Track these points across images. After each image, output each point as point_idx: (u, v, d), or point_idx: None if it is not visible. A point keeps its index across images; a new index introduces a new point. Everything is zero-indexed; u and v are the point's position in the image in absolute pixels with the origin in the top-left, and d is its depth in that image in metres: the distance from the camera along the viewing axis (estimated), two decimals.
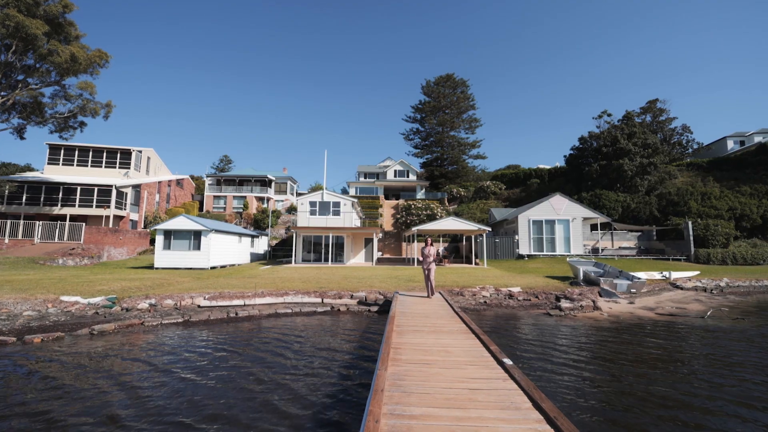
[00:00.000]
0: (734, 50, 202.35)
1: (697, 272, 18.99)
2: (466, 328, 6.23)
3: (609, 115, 39.59)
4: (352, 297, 12.08)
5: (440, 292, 11.45)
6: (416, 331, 6.07)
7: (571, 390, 5.13)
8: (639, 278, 15.08)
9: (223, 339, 7.75)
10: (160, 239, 21.35)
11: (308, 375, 5.65)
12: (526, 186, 45.23)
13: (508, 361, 4.17)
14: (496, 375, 3.90)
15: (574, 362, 6.44)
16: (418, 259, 25.78)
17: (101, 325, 8.22)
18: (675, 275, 18.09)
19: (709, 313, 11.17)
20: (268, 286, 13.20)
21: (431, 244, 10.38)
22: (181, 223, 21.61)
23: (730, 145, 48.06)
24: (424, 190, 51.06)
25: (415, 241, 25.39)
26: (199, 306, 10.51)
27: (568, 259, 19.43)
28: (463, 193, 46.01)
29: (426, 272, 10.28)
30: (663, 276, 18.13)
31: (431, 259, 10.10)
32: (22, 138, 27.02)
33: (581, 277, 15.41)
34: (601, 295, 13.41)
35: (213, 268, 21.92)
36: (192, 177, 56.92)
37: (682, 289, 16.79)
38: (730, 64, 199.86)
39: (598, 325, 9.52)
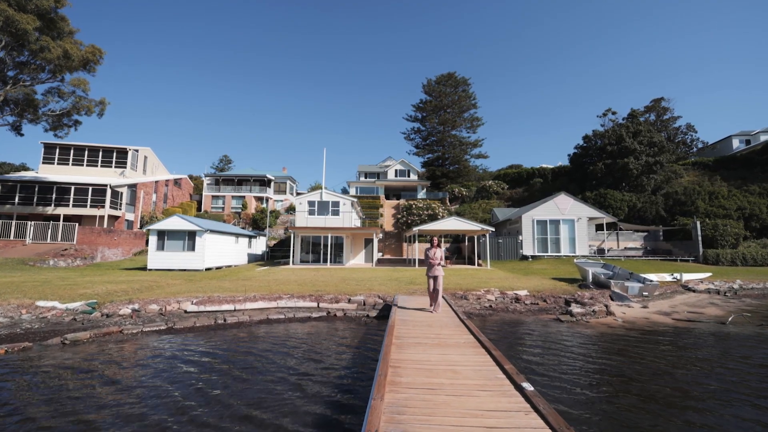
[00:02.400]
0: (734, 50, 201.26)
1: (709, 274, 18.26)
2: (475, 340, 5.54)
3: (614, 113, 38.89)
4: (349, 301, 11.41)
5: (443, 296, 10.76)
6: (418, 344, 5.39)
7: (605, 421, 4.40)
8: (651, 281, 14.37)
9: (202, 351, 7.00)
10: (153, 240, 20.72)
11: (289, 402, 4.86)
12: (529, 186, 44.53)
13: (528, 387, 3.50)
14: (515, 405, 3.22)
15: (598, 380, 5.70)
16: (420, 260, 25.06)
17: (75, 333, 7.55)
18: (686, 277, 17.36)
19: (730, 319, 10.47)
20: (262, 289, 12.54)
21: (438, 245, 8.26)
22: (174, 223, 20.97)
23: (736, 144, 47.32)
24: (425, 189, 50.37)
25: (416, 241, 24.72)
26: (185, 311, 9.84)
27: (575, 260, 18.72)
28: (464, 193, 45.32)
29: (431, 280, 8.19)
30: (674, 278, 17.40)
31: (438, 263, 8.06)
32: (19, 134, 26.34)
33: (590, 280, 14.71)
34: (612, 299, 12.72)
35: (208, 269, 21.27)
36: (191, 177, 56.31)
37: (694, 291, 16.09)
38: (730, 64, 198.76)
39: (614, 333, 8.83)
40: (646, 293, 13.87)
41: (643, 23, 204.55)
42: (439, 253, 8.20)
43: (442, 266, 8.21)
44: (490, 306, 11.76)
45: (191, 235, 20.95)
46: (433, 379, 3.90)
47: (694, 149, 49.92)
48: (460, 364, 4.39)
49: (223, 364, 6.23)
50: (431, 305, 8.43)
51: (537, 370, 5.99)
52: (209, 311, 9.97)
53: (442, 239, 32.70)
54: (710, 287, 16.56)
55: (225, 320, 9.34)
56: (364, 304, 11.30)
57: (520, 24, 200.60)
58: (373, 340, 7.97)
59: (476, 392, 3.54)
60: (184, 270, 20.31)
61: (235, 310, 10.22)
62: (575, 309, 10.64)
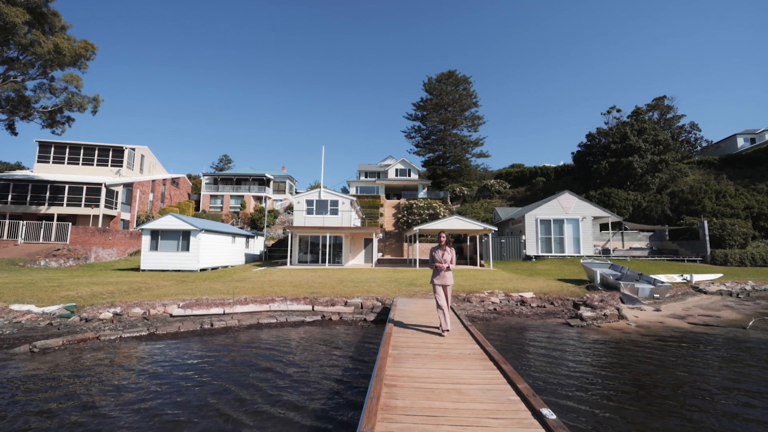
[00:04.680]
0: (735, 50, 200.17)
1: (720, 275, 17.62)
2: (481, 351, 4.94)
3: (618, 110, 38.18)
4: (346, 304, 10.81)
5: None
6: (417, 355, 4.79)
7: None
8: (662, 282, 13.77)
9: (180, 363, 6.32)
10: (146, 239, 20.17)
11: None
12: (531, 185, 43.90)
13: (549, 414, 2.90)
14: None
15: (622, 396, 4.99)
16: (422, 260, 24.39)
17: (46, 340, 6.95)
18: (696, 278, 16.74)
19: (751, 323, 9.86)
20: (255, 290, 11.96)
21: (447, 244, 6.32)
22: (168, 222, 20.40)
23: (741, 142, 46.70)
24: (426, 189, 49.75)
25: (417, 241, 24.10)
26: (171, 315, 9.26)
27: (581, 260, 18.11)
28: (466, 192, 44.69)
29: (439, 291, 6.19)
30: (684, 279, 16.79)
31: (448, 267, 6.18)
32: (13, 133, 25.80)
33: (598, 281, 14.08)
34: (622, 301, 12.10)
35: (203, 270, 20.71)
36: (189, 176, 55.81)
37: (706, 293, 15.45)
38: (732, 65, 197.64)
39: (630, 339, 8.21)
40: (657, 295, 13.26)
41: (646, 23, 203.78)
42: (448, 255, 6.21)
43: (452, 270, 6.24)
44: (495, 309, 11.15)
45: (186, 235, 20.39)
46: (434, 402, 3.31)
47: (698, 148, 49.28)
48: (465, 382, 3.79)
49: (196, 382, 5.49)
50: (440, 325, 6.31)
51: (551, 386, 5.32)
52: (196, 315, 9.38)
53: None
54: (722, 289, 15.93)
55: (212, 325, 8.75)
56: (362, 307, 10.71)
57: (522, 23, 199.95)
58: (369, 348, 7.38)
59: (486, 420, 2.94)
60: (179, 271, 19.76)
61: (224, 314, 9.63)
62: (585, 313, 10.03)
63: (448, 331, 6.16)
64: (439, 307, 6.24)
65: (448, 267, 6.18)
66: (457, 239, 32.49)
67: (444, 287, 6.19)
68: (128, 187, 32.85)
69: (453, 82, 52.10)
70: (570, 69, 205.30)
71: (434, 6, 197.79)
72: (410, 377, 3.92)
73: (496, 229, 24.00)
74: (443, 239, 6.27)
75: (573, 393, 5.09)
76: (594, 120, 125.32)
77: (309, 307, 10.50)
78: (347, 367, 6.21)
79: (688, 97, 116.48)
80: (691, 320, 10.54)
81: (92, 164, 33.78)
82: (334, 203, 27.08)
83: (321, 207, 26.95)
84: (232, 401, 4.77)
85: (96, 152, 34.01)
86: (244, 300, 10.39)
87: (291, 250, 24.69)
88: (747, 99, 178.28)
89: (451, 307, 7.73)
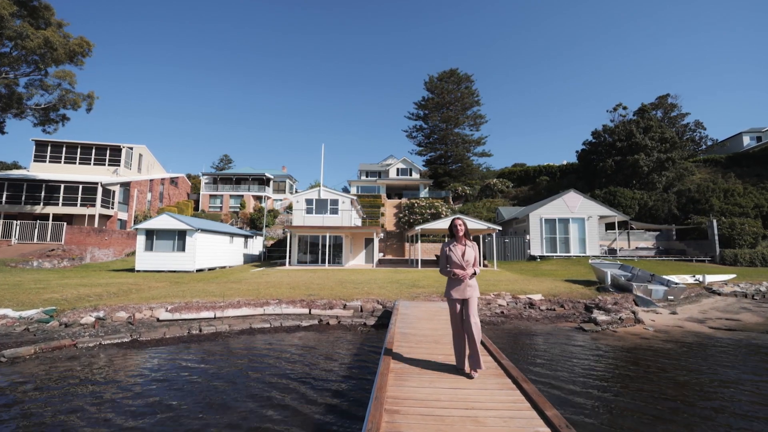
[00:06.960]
0: (735, 50, 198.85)
1: (733, 275, 16.97)
2: (496, 365, 4.34)
3: (624, 108, 37.51)
4: (345, 307, 10.23)
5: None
6: (423, 370, 4.20)
7: None
8: (677, 283, 13.15)
9: (157, 377, 5.69)
10: (141, 239, 19.63)
11: None
12: (534, 184, 43.29)
13: None
14: None
15: (666, 421, 4.39)
16: (426, 261, 23.75)
17: (17, 348, 6.39)
18: (709, 279, 16.11)
19: None
20: (250, 292, 11.39)
21: (465, 237, 4.18)
22: (164, 222, 19.86)
23: (747, 141, 46.02)
24: (427, 188, 49.15)
25: (419, 241, 23.49)
26: (158, 319, 8.69)
27: (590, 261, 17.50)
28: (468, 192, 44.06)
29: (459, 307, 4.07)
30: (696, 280, 16.17)
31: (473, 273, 4.05)
32: (2, 132, 25.36)
33: (609, 282, 13.48)
34: (636, 304, 11.49)
35: (200, 270, 20.16)
36: (189, 176, 55.33)
37: (720, 294, 14.84)
38: (732, 65, 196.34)
39: (651, 345, 7.60)
40: (672, 297, 12.65)
41: (645, 23, 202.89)
42: (470, 252, 4.08)
43: (476, 274, 4.11)
44: (502, 312, 10.56)
45: (181, 235, 19.84)
46: None
47: (703, 146, 48.60)
48: (481, 406, 3.20)
49: (175, 397, 4.91)
50: (462, 362, 4.14)
51: (577, 407, 4.63)
52: (185, 319, 8.81)
53: (445, 240, 31.22)
54: (736, 290, 15.32)
55: (201, 330, 8.17)
56: (362, 311, 10.13)
57: (522, 23, 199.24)
58: (369, 357, 6.79)
59: None
60: (174, 271, 19.21)
61: (214, 318, 9.06)
62: (600, 316, 9.42)
63: (479, 370, 3.97)
64: (457, 329, 4.06)
65: (475, 272, 4.05)
66: None
67: (466, 302, 4.02)
68: (125, 186, 32.34)
69: (455, 80, 51.48)
70: (570, 69, 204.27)
71: (434, 6, 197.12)
72: (416, 399, 3.33)
73: (501, 228, 23.39)
74: (460, 229, 4.12)
75: (604, 417, 4.45)
76: (594, 120, 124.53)
77: (305, 311, 9.92)
78: (344, 382, 5.62)
79: (689, 97, 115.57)
80: (711, 324, 9.93)
81: (89, 163, 33.31)
82: (334, 202, 26.50)
83: (321, 206, 26.37)
84: (207, 426, 4.20)
85: (93, 151, 33.55)
86: (236, 303, 9.82)
87: (290, 250, 24.12)
88: (748, 99, 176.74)
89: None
